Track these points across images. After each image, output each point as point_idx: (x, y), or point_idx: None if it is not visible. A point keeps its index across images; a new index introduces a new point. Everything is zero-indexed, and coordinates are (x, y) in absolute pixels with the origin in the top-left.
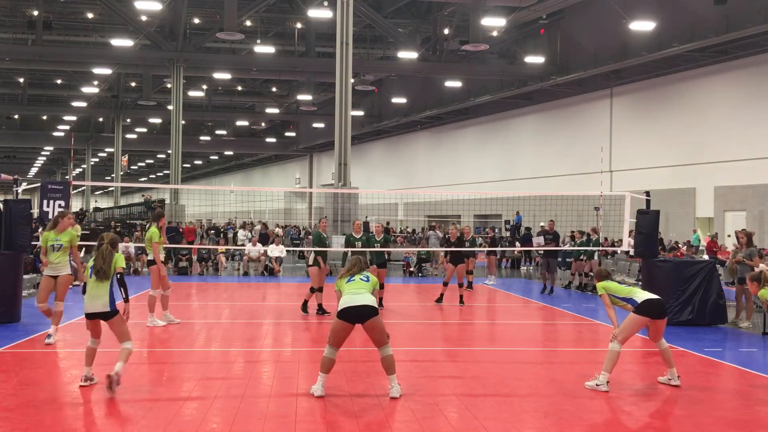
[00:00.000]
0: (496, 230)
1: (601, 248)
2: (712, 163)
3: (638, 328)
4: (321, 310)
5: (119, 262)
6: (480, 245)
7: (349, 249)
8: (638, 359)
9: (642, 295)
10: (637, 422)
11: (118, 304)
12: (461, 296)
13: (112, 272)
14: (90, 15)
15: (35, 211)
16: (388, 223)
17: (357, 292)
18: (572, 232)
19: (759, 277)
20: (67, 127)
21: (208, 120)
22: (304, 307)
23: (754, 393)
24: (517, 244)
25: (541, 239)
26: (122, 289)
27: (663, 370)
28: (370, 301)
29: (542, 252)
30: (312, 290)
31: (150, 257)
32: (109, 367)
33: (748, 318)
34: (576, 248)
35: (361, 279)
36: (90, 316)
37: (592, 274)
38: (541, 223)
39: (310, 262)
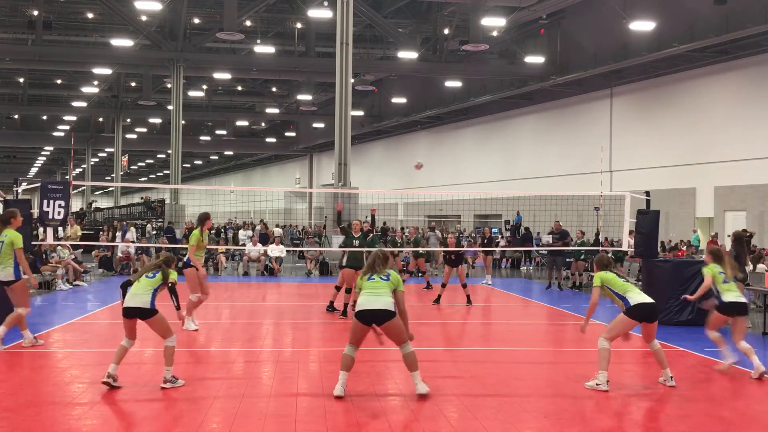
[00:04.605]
0: (494, 230)
1: (601, 248)
2: (712, 163)
3: (627, 329)
4: (331, 308)
5: (172, 275)
6: (477, 244)
7: (347, 249)
8: (638, 359)
9: (636, 297)
10: (636, 422)
11: (178, 314)
12: (468, 296)
13: (160, 279)
14: (90, 15)
15: (35, 211)
16: (384, 223)
17: (374, 293)
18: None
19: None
20: (67, 127)
21: (208, 120)
22: (331, 306)
23: (753, 393)
24: (503, 237)
25: (549, 239)
26: (173, 297)
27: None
28: (386, 304)
29: (548, 251)
30: (337, 288)
31: (184, 259)
32: (107, 368)
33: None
34: (580, 248)
35: (381, 278)
36: (127, 313)
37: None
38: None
39: (343, 263)
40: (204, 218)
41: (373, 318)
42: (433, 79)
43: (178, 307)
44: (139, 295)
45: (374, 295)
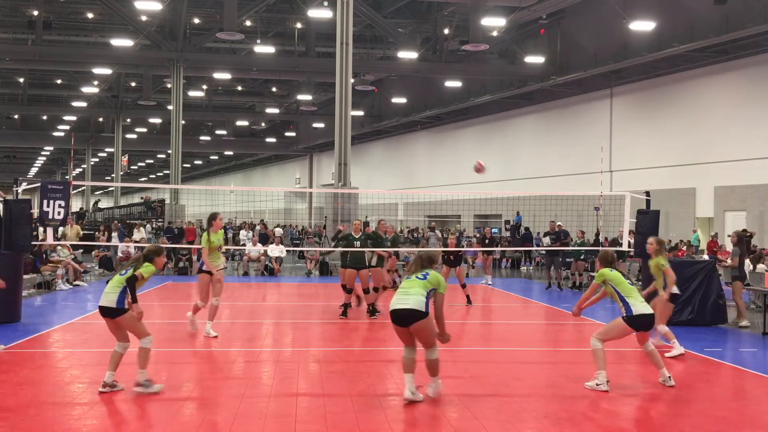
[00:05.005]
0: (494, 230)
1: (601, 248)
2: (712, 163)
3: (622, 336)
4: (344, 312)
5: (144, 269)
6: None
7: (349, 249)
8: (638, 359)
9: (639, 307)
10: (636, 422)
11: (134, 307)
12: (467, 296)
13: (129, 274)
14: (90, 15)
15: (35, 211)
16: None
17: (405, 293)
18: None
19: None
20: (67, 127)
21: (208, 120)
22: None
23: (753, 393)
24: (494, 234)
25: (547, 239)
26: (130, 290)
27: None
28: (415, 303)
29: (546, 251)
30: (376, 290)
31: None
32: (106, 368)
33: (742, 317)
34: (580, 248)
35: (417, 277)
36: (101, 313)
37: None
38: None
39: (373, 263)
40: (210, 219)
41: (400, 318)
42: (433, 79)
43: (133, 300)
44: (108, 293)
45: (404, 295)
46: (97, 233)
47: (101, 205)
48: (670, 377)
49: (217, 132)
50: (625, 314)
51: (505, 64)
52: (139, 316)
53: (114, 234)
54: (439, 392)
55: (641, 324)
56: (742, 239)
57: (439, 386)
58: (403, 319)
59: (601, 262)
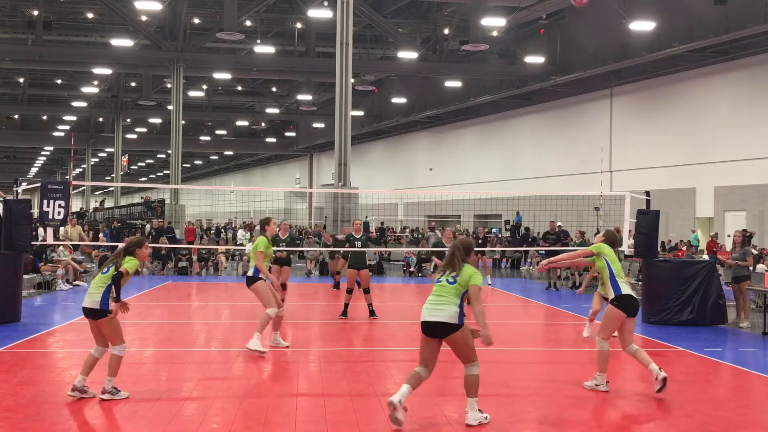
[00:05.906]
0: (494, 230)
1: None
2: (712, 163)
3: (619, 322)
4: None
5: (127, 264)
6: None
7: (350, 249)
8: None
9: (626, 288)
10: (636, 422)
11: (115, 306)
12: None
13: (113, 271)
14: (90, 15)
15: (35, 211)
16: (382, 223)
17: (437, 302)
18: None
19: None
20: (67, 127)
21: (208, 120)
22: None
23: (754, 393)
24: (494, 233)
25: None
26: (115, 288)
27: (664, 369)
28: (447, 316)
29: (544, 252)
30: (349, 292)
31: (249, 272)
32: (106, 368)
33: (745, 317)
34: (579, 248)
35: (447, 281)
36: (84, 313)
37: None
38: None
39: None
40: (263, 223)
41: (431, 330)
42: (433, 79)
43: (117, 299)
44: (91, 293)
45: (436, 305)
46: (82, 233)
47: (98, 205)
48: (660, 369)
49: (217, 132)
50: (613, 294)
51: (505, 64)
52: (115, 312)
53: (100, 235)
54: (478, 419)
55: (630, 305)
56: (746, 238)
57: (478, 414)
58: (434, 331)
59: (603, 238)
